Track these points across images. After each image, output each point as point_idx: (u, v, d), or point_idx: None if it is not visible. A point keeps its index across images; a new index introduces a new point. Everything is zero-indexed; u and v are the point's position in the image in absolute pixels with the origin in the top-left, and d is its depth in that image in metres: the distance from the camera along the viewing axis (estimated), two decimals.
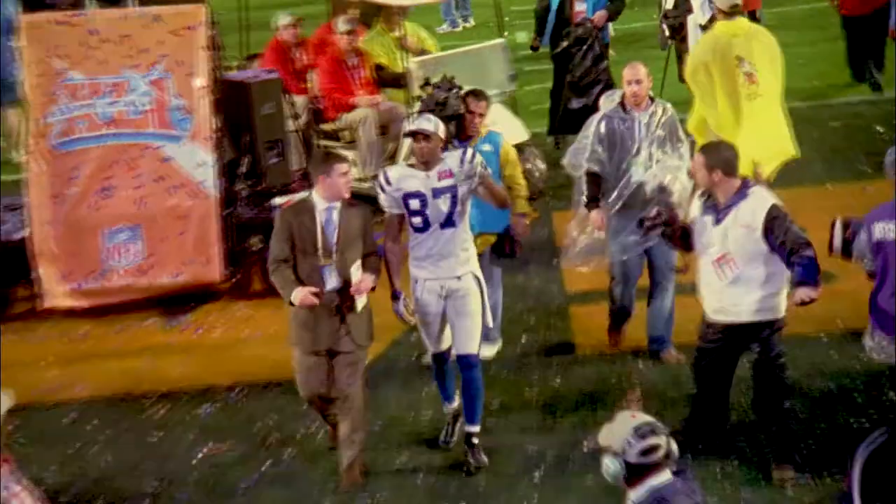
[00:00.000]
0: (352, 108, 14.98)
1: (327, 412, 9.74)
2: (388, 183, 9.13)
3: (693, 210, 9.39)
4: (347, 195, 9.04)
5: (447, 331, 9.62)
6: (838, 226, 9.31)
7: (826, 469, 9.34)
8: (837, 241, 9.23)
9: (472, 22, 24.83)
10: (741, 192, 9.04)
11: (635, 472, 6.44)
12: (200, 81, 13.65)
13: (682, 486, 6.51)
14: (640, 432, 6.53)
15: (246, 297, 13.69)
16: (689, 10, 17.22)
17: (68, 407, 11.78)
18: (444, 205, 9.11)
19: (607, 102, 12.23)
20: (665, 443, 6.54)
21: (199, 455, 10.81)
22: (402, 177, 9.19)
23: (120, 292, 13.62)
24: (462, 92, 11.52)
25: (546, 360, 12.20)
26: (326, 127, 15.46)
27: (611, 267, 11.84)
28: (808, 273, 8.72)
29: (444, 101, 10.98)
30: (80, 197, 13.53)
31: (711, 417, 9.71)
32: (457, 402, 9.85)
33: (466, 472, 9.81)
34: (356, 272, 9.04)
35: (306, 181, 14.34)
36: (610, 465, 6.49)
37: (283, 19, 16.17)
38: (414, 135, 9.18)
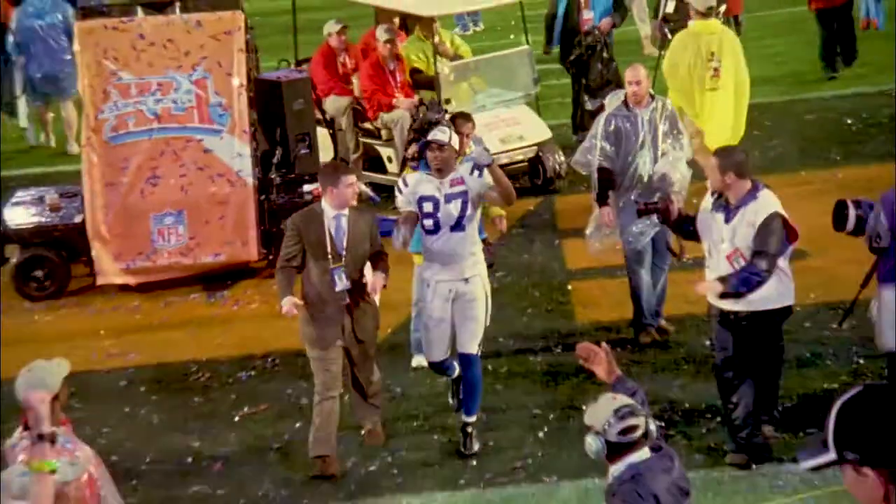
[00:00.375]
0: (391, 108, 14.89)
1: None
2: (406, 185, 9.10)
3: (704, 206, 9.31)
4: (354, 203, 9.03)
5: (447, 341, 9.56)
6: (851, 207, 9.16)
7: (802, 427, 9.44)
8: (852, 220, 9.11)
9: (481, 26, 24.75)
10: (752, 194, 9.02)
11: (615, 450, 6.48)
12: (237, 81, 13.65)
13: (659, 463, 6.55)
14: (620, 413, 6.56)
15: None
16: (689, 17, 17.16)
17: (121, 373, 11.84)
18: (454, 209, 9.06)
19: (613, 101, 12.14)
20: (643, 423, 6.57)
21: (238, 415, 10.89)
22: (419, 181, 9.13)
23: (166, 270, 13.69)
24: (450, 115, 11.42)
25: (548, 330, 12.20)
26: (367, 125, 15.38)
27: (625, 252, 11.80)
28: (739, 278, 8.87)
29: (436, 122, 10.71)
30: (130, 185, 13.55)
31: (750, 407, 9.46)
32: (457, 372, 9.70)
33: (460, 456, 9.81)
34: (368, 273, 9.09)
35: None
36: (592, 443, 6.51)
37: (332, 27, 16.05)
38: (429, 144, 9.10)
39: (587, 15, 15.98)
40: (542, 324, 12.37)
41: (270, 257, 13.15)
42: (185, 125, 13.65)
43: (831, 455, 4.18)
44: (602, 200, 11.23)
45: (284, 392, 11.37)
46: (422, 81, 15.40)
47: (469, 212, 9.07)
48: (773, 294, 9.23)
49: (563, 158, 14.47)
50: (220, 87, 13.59)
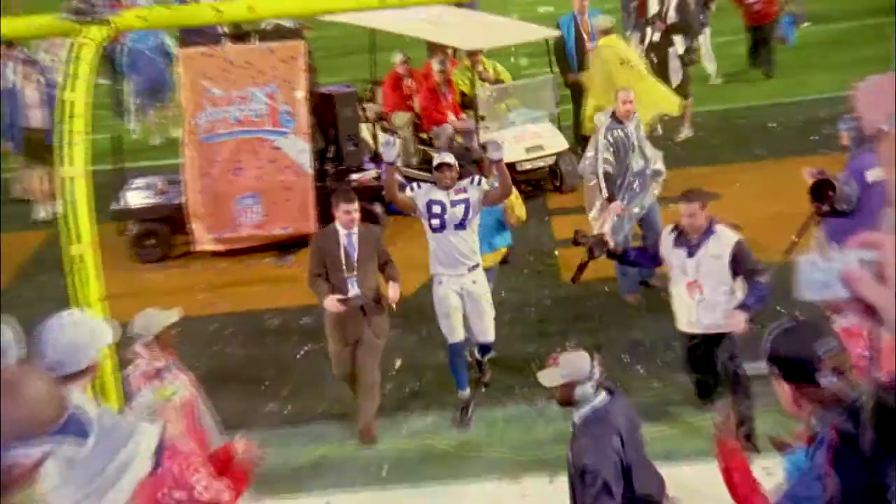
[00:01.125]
0: (441, 123, 14.85)
1: (353, 385, 9.50)
2: (419, 188, 8.98)
3: (664, 243, 8.92)
4: (354, 226, 8.80)
5: (461, 323, 9.30)
6: (835, 178, 8.59)
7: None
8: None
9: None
10: (710, 229, 8.64)
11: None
12: (300, 94, 13.78)
13: (616, 403, 6.34)
14: (595, 363, 6.42)
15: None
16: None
17: (212, 319, 12.03)
18: (459, 212, 8.88)
19: (602, 118, 12.02)
20: (599, 371, 6.37)
21: (302, 352, 11.06)
22: (429, 190, 8.92)
23: (246, 240, 13.88)
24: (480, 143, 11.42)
25: (540, 287, 12.27)
26: (423, 135, 15.26)
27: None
28: (757, 296, 8.45)
29: (469, 149, 10.58)
30: (219, 175, 13.73)
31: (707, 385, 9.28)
32: (468, 392, 9.53)
33: (485, 386, 9.88)
34: (390, 287, 8.99)
35: (375, 163, 14.59)
36: (581, 392, 6.27)
37: (397, 58, 15.94)
38: (440, 166, 8.93)
39: (590, 46, 15.61)
40: (535, 282, 12.39)
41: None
42: (260, 128, 13.76)
43: (765, 368, 4.43)
44: (612, 198, 11.16)
45: None
46: (467, 102, 15.23)
47: (470, 214, 8.95)
48: (718, 321, 8.70)
49: (573, 166, 14.08)
50: (287, 98, 13.72)
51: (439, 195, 8.89)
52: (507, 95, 14.58)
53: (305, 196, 13.80)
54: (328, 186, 13.89)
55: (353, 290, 8.65)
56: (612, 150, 11.27)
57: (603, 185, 11.29)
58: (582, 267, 9.38)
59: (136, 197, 14.02)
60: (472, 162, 9.97)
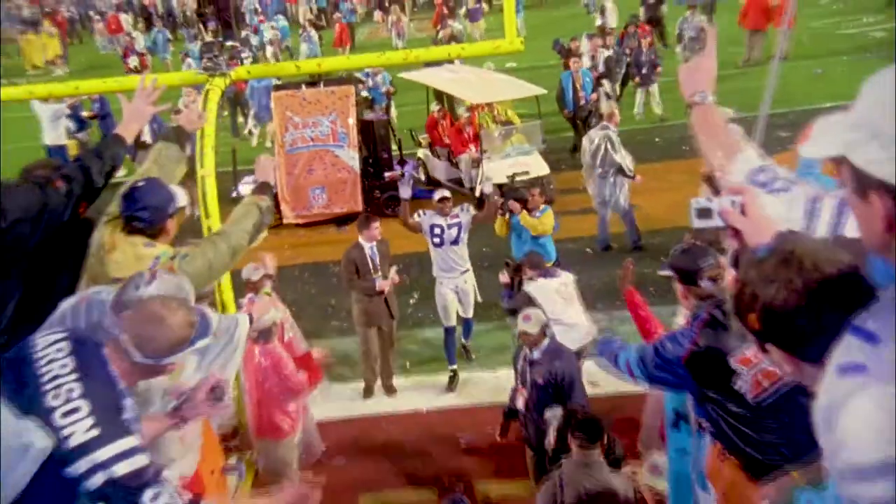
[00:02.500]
0: (464, 152, 14.43)
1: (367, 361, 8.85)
2: (424, 215, 8.53)
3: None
4: (378, 237, 8.36)
5: (455, 313, 8.80)
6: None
7: None
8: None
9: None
10: None
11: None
12: (351, 120, 13.73)
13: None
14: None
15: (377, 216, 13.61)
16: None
17: (295, 267, 11.99)
18: (454, 232, 8.45)
19: (598, 130, 11.50)
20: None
21: None
22: (432, 216, 8.49)
23: (317, 216, 13.82)
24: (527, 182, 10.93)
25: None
26: (453, 160, 14.79)
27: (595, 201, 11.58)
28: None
29: (517, 188, 9.85)
30: (298, 174, 13.72)
31: None
32: (455, 366, 8.90)
33: (469, 358, 9.27)
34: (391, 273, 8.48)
35: (400, 165, 14.52)
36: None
37: (435, 106, 15.60)
38: (441, 199, 8.47)
39: (581, 93, 15.58)
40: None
41: (368, 209, 13.33)
42: (325, 143, 13.73)
43: (669, 272, 4.52)
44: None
45: None
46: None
47: (462, 234, 8.50)
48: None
49: (553, 186, 13.40)
50: (343, 123, 13.70)
51: (439, 220, 8.46)
52: (511, 133, 14.21)
53: (355, 187, 13.80)
54: (369, 181, 14.04)
55: (379, 284, 8.28)
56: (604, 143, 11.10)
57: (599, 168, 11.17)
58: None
59: (246, 188, 13.58)
60: (520, 198, 9.16)
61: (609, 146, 11.11)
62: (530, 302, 7.04)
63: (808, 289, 1.77)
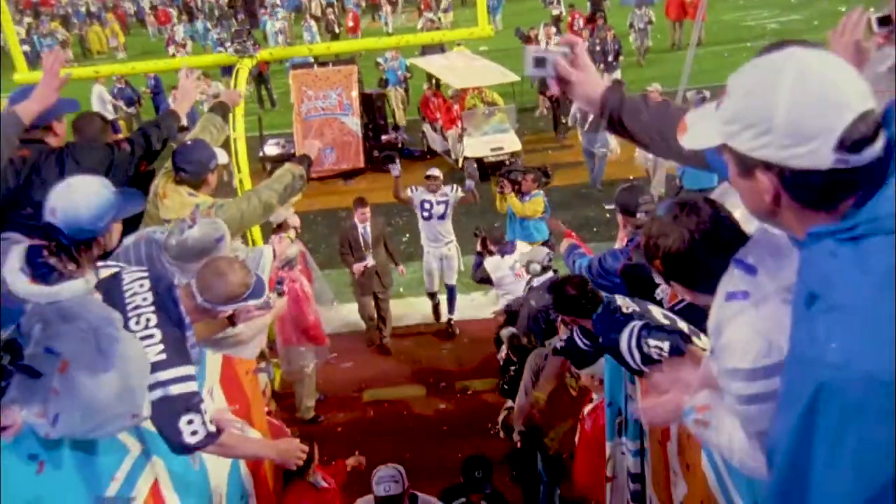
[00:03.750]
0: (452, 127, 13.65)
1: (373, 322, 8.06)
2: (416, 191, 7.68)
3: None
4: (367, 218, 7.54)
5: (437, 279, 8.15)
6: None
7: None
8: None
9: None
10: None
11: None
12: (355, 93, 13.49)
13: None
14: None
15: (375, 171, 13.48)
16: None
17: (310, 213, 11.71)
18: (441, 209, 7.69)
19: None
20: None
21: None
22: (423, 192, 7.67)
23: (327, 171, 13.52)
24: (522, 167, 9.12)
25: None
26: (444, 133, 13.92)
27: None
28: None
29: (513, 169, 8.41)
30: (313, 136, 13.25)
31: None
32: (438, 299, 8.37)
33: (453, 334, 8.26)
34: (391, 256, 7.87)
35: (395, 130, 14.39)
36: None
37: (426, 86, 14.95)
38: (428, 176, 7.67)
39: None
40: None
41: (369, 166, 13.26)
42: (334, 112, 13.45)
43: (613, 206, 4.51)
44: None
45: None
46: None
47: (448, 210, 7.71)
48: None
49: (522, 161, 12.50)
50: (347, 96, 13.45)
51: (428, 196, 7.66)
52: (494, 113, 13.42)
53: (358, 148, 13.57)
54: (369, 143, 13.86)
55: (370, 261, 7.48)
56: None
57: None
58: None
59: (272, 149, 13.62)
60: (514, 182, 7.91)
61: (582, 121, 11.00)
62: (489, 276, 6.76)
63: (699, 238, 1.79)
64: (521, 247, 6.78)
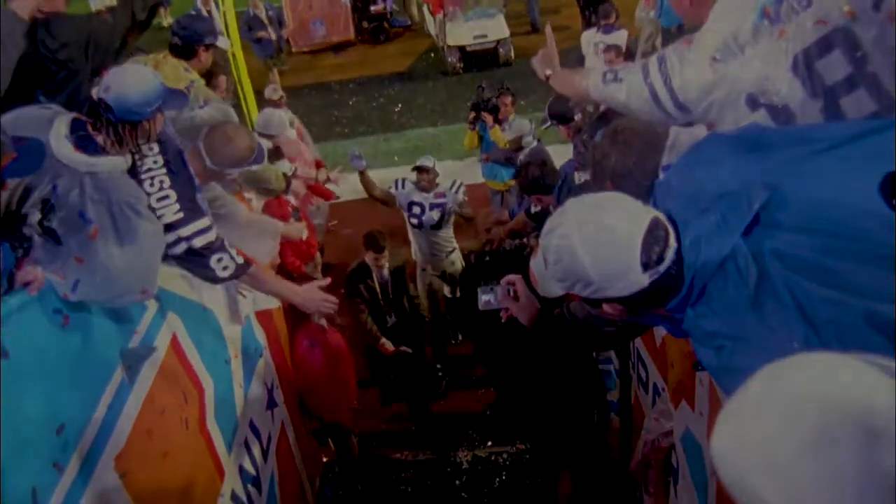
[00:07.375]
0: (439, 12, 12.05)
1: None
2: (403, 188, 5.11)
3: None
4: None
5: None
6: None
7: None
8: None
9: None
10: None
11: None
12: None
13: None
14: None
15: (364, 43, 13.02)
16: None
17: (304, 87, 11.38)
18: (435, 215, 5.02)
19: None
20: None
21: (352, 101, 10.68)
22: (411, 191, 5.06)
23: (318, 45, 13.04)
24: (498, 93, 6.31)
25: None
26: (436, 14, 12.35)
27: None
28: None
29: (488, 99, 6.10)
30: (302, 10, 12.67)
31: None
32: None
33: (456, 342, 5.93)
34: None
35: (384, 2, 13.58)
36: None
37: None
38: (419, 168, 5.04)
39: None
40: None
41: (359, 37, 12.78)
42: None
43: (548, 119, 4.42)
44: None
45: (370, 92, 11.05)
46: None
47: (445, 217, 5.07)
48: None
49: (512, 49, 11.25)
50: None
51: (419, 197, 5.08)
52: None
53: (347, 20, 13.07)
54: (357, 14, 13.24)
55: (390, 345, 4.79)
56: None
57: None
58: None
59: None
60: (492, 109, 6.02)
61: None
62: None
63: (635, 152, 1.93)
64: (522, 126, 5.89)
